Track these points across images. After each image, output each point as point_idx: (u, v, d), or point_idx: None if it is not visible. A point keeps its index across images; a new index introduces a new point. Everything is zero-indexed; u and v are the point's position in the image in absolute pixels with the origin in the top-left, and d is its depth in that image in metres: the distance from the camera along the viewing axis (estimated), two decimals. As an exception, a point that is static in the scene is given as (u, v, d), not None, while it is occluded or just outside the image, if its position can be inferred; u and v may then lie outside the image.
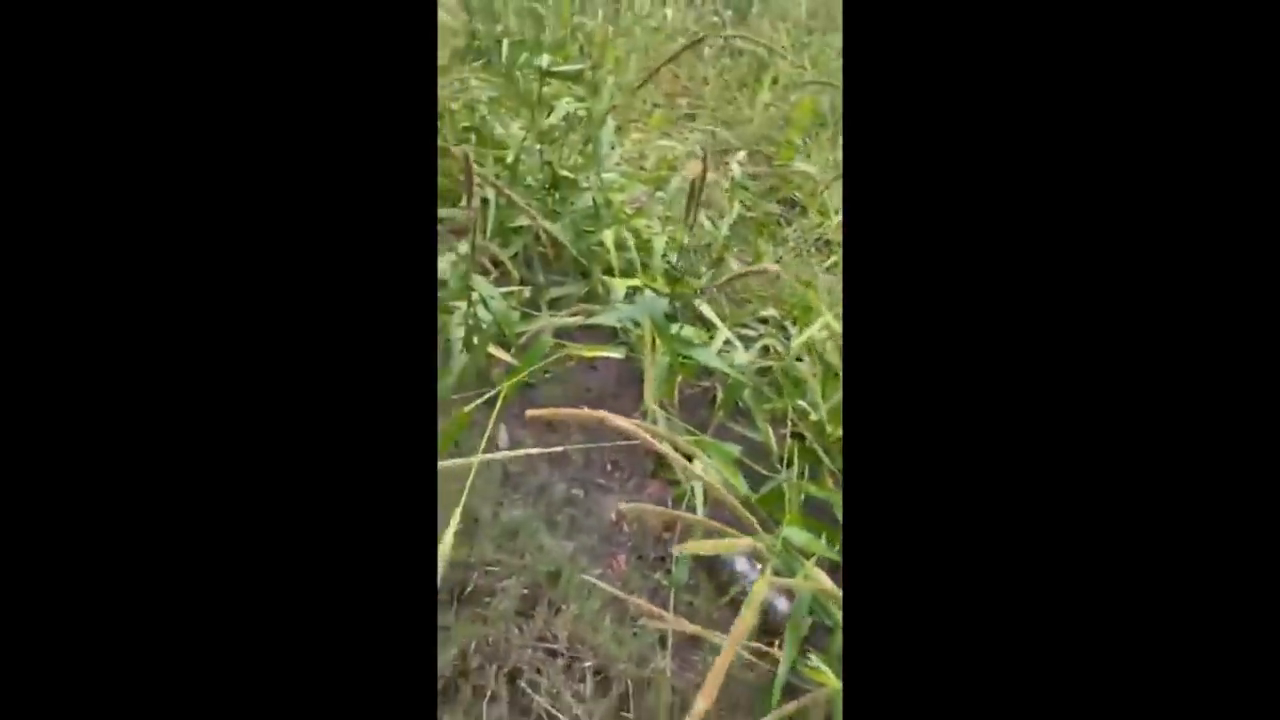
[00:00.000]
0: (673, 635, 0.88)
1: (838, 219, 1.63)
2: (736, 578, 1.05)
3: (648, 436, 0.69)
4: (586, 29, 2.07)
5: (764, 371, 1.30)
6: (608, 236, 1.29)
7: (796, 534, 0.93)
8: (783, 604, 1.02)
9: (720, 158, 1.67)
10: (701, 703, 0.55)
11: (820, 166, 1.70)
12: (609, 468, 1.18)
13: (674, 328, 1.07)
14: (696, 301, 1.24)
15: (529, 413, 0.68)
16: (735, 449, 0.92)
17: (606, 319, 1.05)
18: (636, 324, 1.04)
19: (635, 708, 0.78)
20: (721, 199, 1.50)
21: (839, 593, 0.88)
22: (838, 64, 2.26)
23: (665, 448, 0.71)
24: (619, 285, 1.25)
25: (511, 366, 1.09)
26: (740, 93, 2.09)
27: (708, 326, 1.27)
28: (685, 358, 1.02)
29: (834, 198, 1.63)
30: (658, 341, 1.00)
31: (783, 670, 0.76)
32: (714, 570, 1.06)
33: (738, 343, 1.18)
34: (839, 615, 0.93)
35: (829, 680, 0.81)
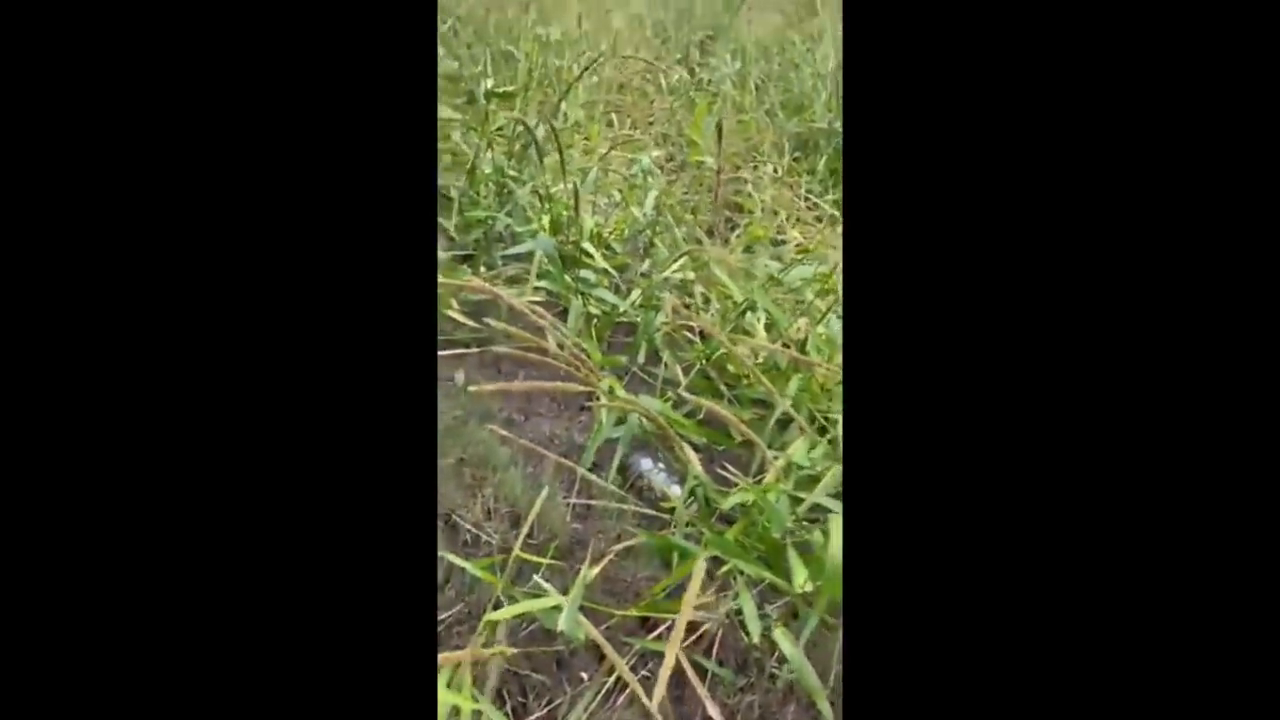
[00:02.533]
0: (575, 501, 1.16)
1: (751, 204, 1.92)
2: (643, 475, 1.33)
3: (559, 363, 0.98)
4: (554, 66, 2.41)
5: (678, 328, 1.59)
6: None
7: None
8: (675, 489, 1.30)
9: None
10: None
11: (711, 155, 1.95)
12: (549, 401, 1.47)
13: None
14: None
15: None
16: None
17: (510, 251, 1.35)
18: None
19: (536, 534, 1.06)
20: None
21: (706, 478, 1.16)
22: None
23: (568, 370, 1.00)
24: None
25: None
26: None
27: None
28: (588, 296, 1.31)
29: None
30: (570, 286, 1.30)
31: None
32: (624, 472, 1.33)
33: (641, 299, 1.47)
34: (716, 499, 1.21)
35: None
